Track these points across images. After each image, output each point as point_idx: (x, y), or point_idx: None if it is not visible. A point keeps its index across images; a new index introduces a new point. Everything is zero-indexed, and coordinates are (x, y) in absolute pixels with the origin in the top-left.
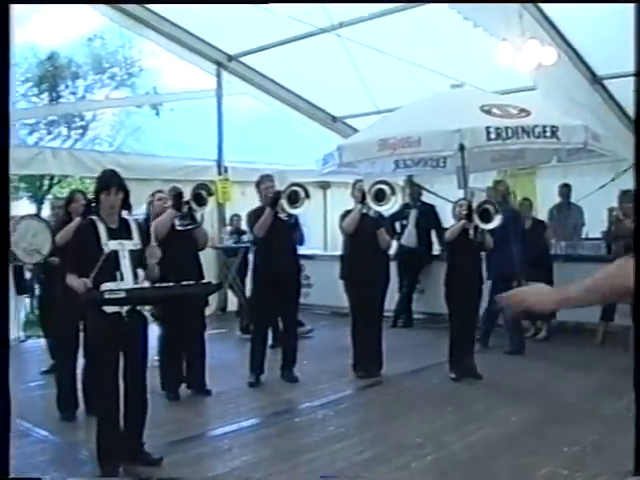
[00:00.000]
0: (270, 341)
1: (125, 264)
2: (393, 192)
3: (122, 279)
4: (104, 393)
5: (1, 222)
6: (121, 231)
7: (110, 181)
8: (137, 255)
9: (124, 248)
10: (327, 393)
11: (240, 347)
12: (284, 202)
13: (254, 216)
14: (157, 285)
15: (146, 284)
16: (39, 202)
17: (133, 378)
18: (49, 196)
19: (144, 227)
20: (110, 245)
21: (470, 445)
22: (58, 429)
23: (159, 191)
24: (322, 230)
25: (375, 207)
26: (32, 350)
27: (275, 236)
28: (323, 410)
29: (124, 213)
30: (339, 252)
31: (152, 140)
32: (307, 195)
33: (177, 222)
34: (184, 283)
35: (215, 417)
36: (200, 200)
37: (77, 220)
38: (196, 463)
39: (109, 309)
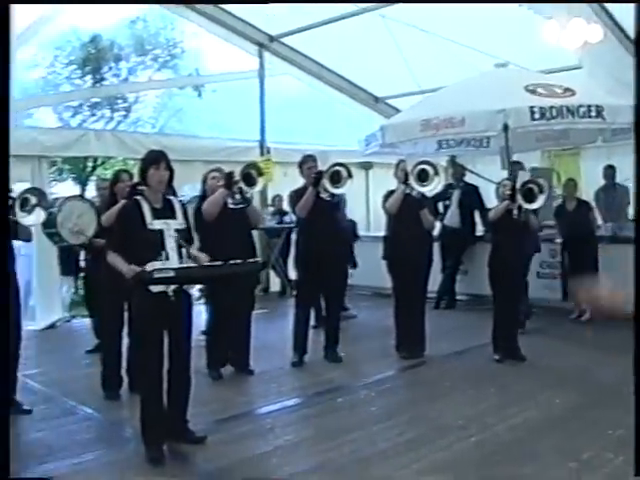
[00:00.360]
0: (313, 322)
1: (170, 244)
2: (436, 172)
3: (167, 259)
4: (148, 372)
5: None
6: (165, 211)
7: (159, 156)
8: (182, 235)
9: (169, 227)
10: (370, 373)
11: (282, 327)
12: (326, 182)
13: (296, 196)
14: (205, 264)
15: (191, 263)
16: (83, 183)
17: (178, 357)
18: (93, 177)
19: (199, 204)
20: (155, 224)
21: (513, 427)
22: (102, 407)
23: (214, 170)
24: (364, 211)
25: (418, 187)
26: (77, 330)
27: (317, 216)
28: (365, 390)
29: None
30: (381, 233)
31: (194, 121)
32: (349, 175)
33: (230, 200)
34: (231, 262)
35: (258, 396)
36: (250, 180)
37: (123, 202)
38: (239, 442)
39: (155, 288)
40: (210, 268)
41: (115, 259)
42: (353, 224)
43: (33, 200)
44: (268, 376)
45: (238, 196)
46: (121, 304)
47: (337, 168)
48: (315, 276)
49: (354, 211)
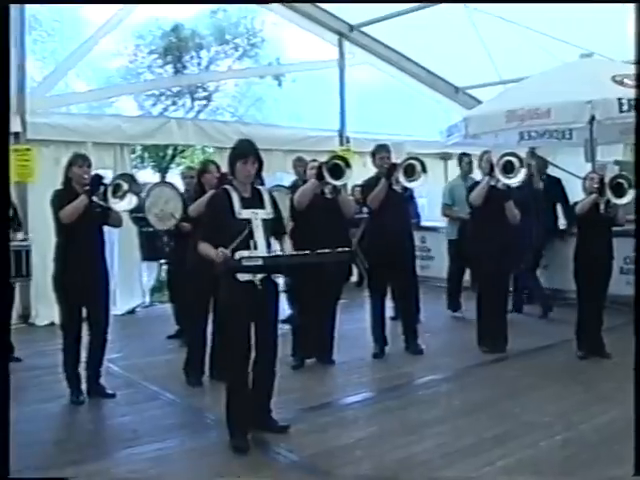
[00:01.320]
0: (392, 313)
1: (258, 233)
2: (522, 164)
3: (256, 248)
4: (235, 361)
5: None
6: (254, 200)
7: (247, 150)
8: (270, 224)
9: (257, 217)
10: (452, 367)
11: (361, 318)
12: (400, 175)
13: (367, 186)
14: (293, 253)
15: (280, 253)
16: (163, 171)
17: (264, 347)
18: (172, 165)
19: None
20: (243, 214)
21: (599, 427)
22: (185, 393)
23: (313, 160)
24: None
25: (503, 179)
26: (156, 316)
27: (388, 208)
28: (448, 384)
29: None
30: None
31: (274, 111)
32: (424, 169)
33: (326, 190)
34: (319, 251)
35: (339, 387)
36: (337, 172)
37: (210, 192)
38: (322, 432)
39: (243, 277)
40: (298, 257)
41: (205, 248)
42: None
43: (125, 186)
44: (348, 367)
45: (330, 186)
46: (207, 291)
47: (411, 162)
48: (385, 267)
49: (432, 202)
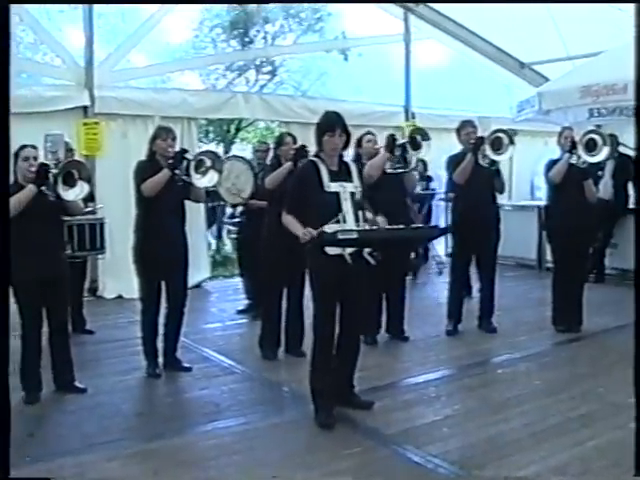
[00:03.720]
0: None
1: (347, 206)
2: (604, 142)
3: (344, 221)
4: (322, 336)
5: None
6: (342, 173)
7: (335, 122)
8: (358, 198)
9: (345, 190)
10: (527, 346)
11: (427, 294)
12: (487, 148)
13: (455, 161)
14: (387, 227)
15: (367, 227)
16: (227, 145)
17: (350, 321)
18: (236, 140)
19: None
20: (332, 187)
21: None
22: (261, 367)
23: (368, 133)
24: (507, 179)
25: (586, 157)
26: (223, 289)
27: (475, 183)
28: (526, 363)
29: None
30: (523, 202)
31: (339, 85)
32: (511, 141)
33: (388, 164)
34: (413, 226)
35: (416, 364)
36: (415, 144)
37: (288, 164)
38: (406, 409)
39: (332, 251)
40: (393, 231)
41: (290, 221)
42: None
43: (208, 162)
44: (423, 344)
45: (400, 162)
46: (282, 264)
47: (498, 134)
48: (470, 244)
49: None
